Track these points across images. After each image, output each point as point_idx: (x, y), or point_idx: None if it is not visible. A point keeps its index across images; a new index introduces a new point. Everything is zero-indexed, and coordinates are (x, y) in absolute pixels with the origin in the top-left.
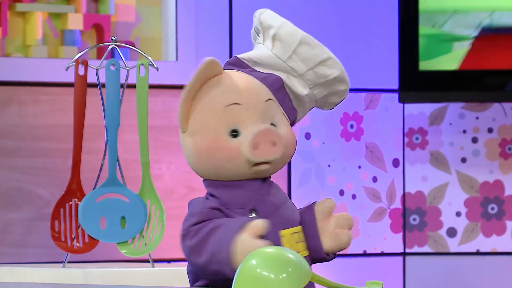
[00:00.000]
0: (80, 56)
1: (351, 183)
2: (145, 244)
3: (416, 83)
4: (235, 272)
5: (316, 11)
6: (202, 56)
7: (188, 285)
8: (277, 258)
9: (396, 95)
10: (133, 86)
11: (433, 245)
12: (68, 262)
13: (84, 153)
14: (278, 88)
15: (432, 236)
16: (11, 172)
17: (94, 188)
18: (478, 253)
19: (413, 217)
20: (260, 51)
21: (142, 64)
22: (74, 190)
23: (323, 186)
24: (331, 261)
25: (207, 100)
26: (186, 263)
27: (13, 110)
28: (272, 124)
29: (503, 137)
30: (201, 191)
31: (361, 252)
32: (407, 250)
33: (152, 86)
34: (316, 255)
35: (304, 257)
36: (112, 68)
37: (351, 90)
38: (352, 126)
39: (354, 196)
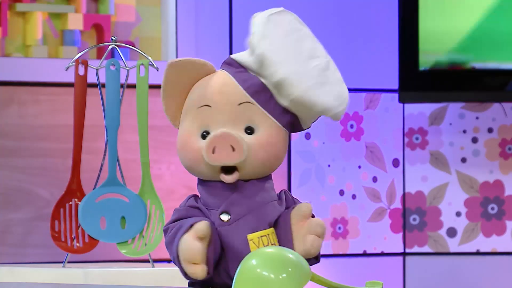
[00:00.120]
0: (80, 56)
1: (351, 183)
2: (145, 244)
3: (416, 83)
4: (185, 272)
5: (316, 11)
6: (202, 56)
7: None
8: (277, 258)
9: (396, 95)
10: (133, 86)
11: (433, 245)
12: (68, 262)
13: (84, 153)
14: (256, 91)
15: (432, 236)
16: (11, 172)
17: (94, 188)
18: (478, 253)
19: (413, 217)
20: (247, 54)
21: (142, 64)
22: (74, 190)
23: (323, 186)
24: (331, 261)
25: (188, 100)
26: None
27: (13, 110)
28: (249, 127)
29: (503, 137)
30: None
31: (361, 252)
32: (407, 250)
33: (152, 86)
34: None
35: None
36: (112, 68)
37: (351, 90)
38: (352, 126)
39: (354, 196)
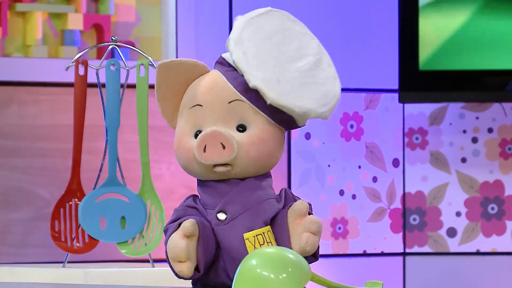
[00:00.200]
0: (80, 56)
1: (351, 183)
2: (145, 244)
3: (416, 83)
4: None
5: (316, 11)
6: (202, 56)
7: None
8: (277, 258)
9: (396, 95)
10: (133, 86)
11: (433, 245)
12: (68, 262)
13: (84, 153)
14: (247, 89)
15: (432, 236)
16: (11, 172)
17: (94, 188)
18: (478, 253)
19: (413, 217)
20: None
21: (142, 64)
22: (74, 190)
23: (323, 186)
24: (331, 261)
25: (183, 100)
26: None
27: (13, 110)
28: (240, 125)
29: (503, 137)
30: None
31: (361, 252)
32: (407, 250)
33: (152, 86)
34: None
35: None
36: (112, 68)
37: (351, 90)
38: (352, 126)
39: (354, 196)
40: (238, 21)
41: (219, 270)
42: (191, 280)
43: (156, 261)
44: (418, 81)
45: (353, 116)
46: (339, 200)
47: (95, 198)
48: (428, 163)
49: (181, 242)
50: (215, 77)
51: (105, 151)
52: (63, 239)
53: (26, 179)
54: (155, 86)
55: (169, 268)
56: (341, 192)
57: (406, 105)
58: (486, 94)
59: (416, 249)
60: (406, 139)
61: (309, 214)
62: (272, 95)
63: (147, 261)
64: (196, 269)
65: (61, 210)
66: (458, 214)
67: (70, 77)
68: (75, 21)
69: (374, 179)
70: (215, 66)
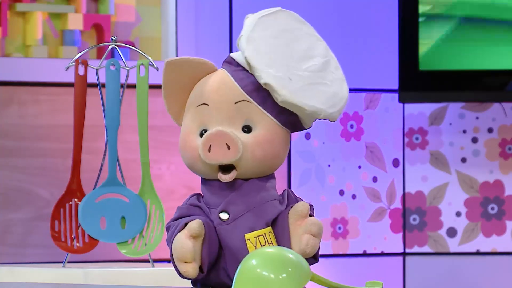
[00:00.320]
0: (80, 56)
1: (351, 183)
2: (145, 244)
3: (416, 83)
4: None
5: (316, 11)
6: (202, 56)
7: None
8: (277, 258)
9: (396, 95)
10: (133, 86)
11: (433, 245)
12: (68, 262)
13: (84, 153)
14: (254, 89)
15: (432, 236)
16: (11, 172)
17: (94, 188)
18: (478, 253)
19: (413, 217)
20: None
21: (142, 64)
22: (74, 190)
23: (323, 186)
24: (331, 261)
25: (189, 98)
26: None
27: (13, 110)
28: (246, 125)
29: (503, 137)
30: (200, 191)
31: (361, 252)
32: (407, 250)
33: (152, 86)
34: None
35: None
36: (112, 68)
37: (351, 90)
38: (352, 126)
39: (354, 196)
40: (249, 19)
41: (220, 270)
42: (190, 280)
43: (156, 261)
44: (418, 81)
45: (353, 116)
46: (339, 200)
47: (95, 198)
48: (428, 163)
49: (187, 243)
50: (222, 76)
51: (105, 151)
52: (63, 239)
53: (26, 179)
54: (162, 83)
55: (169, 268)
56: (341, 192)
57: (406, 105)
58: (486, 94)
59: (416, 249)
60: (406, 139)
61: (310, 215)
62: (285, 92)
63: (147, 261)
64: (200, 269)
65: (61, 210)
66: (458, 214)
67: (70, 77)
68: (75, 21)
69: (374, 179)
70: (223, 65)
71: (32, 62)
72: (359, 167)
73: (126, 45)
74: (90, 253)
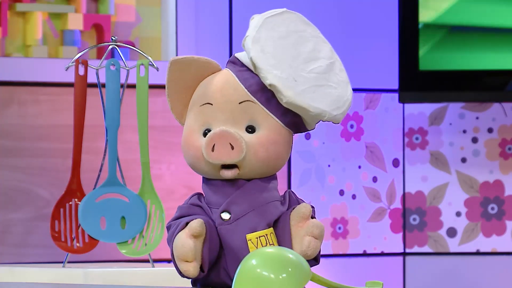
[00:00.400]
0: (80, 56)
1: (351, 183)
2: (145, 244)
3: (416, 83)
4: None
5: (316, 11)
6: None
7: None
8: (277, 258)
9: (396, 95)
10: (133, 86)
11: (433, 245)
12: (68, 262)
13: (84, 153)
14: (258, 90)
15: (432, 236)
16: (11, 172)
17: (94, 188)
18: (478, 253)
19: (413, 217)
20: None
21: (142, 64)
22: (74, 190)
23: (323, 186)
24: (331, 261)
25: (193, 97)
26: None
27: (13, 110)
28: (250, 126)
29: (503, 137)
30: (201, 191)
31: (361, 252)
32: (407, 250)
33: (152, 86)
34: None
35: None
36: (112, 68)
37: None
38: (352, 126)
39: (354, 196)
40: (255, 20)
41: (220, 270)
42: (190, 279)
43: (156, 261)
44: (418, 81)
45: (353, 116)
46: (339, 200)
47: (95, 198)
48: (428, 163)
49: (188, 242)
50: (227, 76)
51: (105, 151)
52: (63, 239)
53: (26, 179)
54: (166, 82)
55: (169, 268)
56: (341, 192)
57: (406, 105)
58: (486, 94)
59: (416, 249)
60: (406, 139)
61: (312, 217)
62: (290, 94)
63: (147, 261)
64: (200, 268)
65: (61, 210)
66: (458, 214)
67: (70, 77)
68: (75, 21)
69: (374, 179)
70: (227, 65)
71: (32, 62)
72: (359, 167)
73: (126, 45)
74: (90, 253)
